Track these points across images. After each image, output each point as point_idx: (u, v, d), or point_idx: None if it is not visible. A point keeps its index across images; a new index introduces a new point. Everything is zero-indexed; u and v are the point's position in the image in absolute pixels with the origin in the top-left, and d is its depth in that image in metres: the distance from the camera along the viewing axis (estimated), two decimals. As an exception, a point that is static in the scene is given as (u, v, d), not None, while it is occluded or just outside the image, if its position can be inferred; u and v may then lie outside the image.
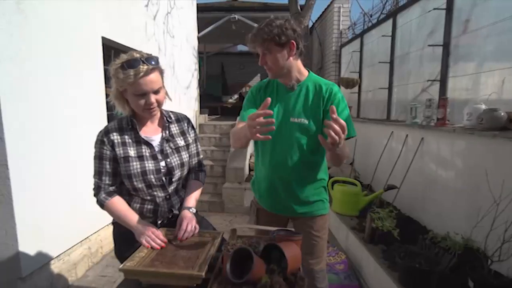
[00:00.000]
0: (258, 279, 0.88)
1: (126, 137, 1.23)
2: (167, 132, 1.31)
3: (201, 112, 6.21)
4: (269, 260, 0.97)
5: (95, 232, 2.65)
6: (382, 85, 3.67)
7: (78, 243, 2.45)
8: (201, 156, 1.46)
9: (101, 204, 1.22)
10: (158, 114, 1.31)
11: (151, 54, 1.19)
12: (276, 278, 0.87)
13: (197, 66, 5.84)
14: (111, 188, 1.24)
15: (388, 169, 2.94)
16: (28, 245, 1.96)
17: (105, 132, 1.23)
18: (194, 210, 1.31)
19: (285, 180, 1.38)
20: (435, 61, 2.61)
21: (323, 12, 6.19)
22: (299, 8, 5.39)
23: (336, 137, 0.97)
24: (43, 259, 2.09)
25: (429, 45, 2.63)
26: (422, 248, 1.95)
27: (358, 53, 4.53)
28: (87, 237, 2.56)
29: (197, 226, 1.24)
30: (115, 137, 1.22)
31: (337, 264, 2.28)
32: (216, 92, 9.69)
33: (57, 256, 2.22)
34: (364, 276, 2.21)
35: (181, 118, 1.39)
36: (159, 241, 1.12)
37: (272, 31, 1.21)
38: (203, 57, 9.12)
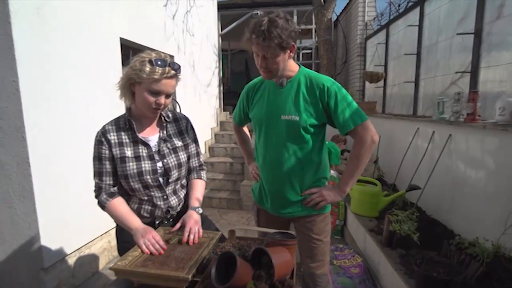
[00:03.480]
0: (243, 285, 0.84)
1: (123, 137, 1.24)
2: (165, 132, 1.30)
3: (224, 110, 6.25)
4: (259, 265, 0.93)
5: (115, 226, 2.74)
6: (408, 78, 3.44)
7: (98, 237, 2.56)
8: (201, 156, 1.44)
9: (102, 205, 1.23)
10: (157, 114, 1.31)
11: (176, 63, 1.19)
12: (261, 285, 0.83)
13: (217, 64, 5.86)
14: (113, 189, 1.24)
15: (413, 168, 2.76)
16: (50, 237, 2.06)
17: (103, 133, 1.24)
18: (200, 211, 1.30)
19: (280, 180, 1.34)
20: (466, 51, 2.38)
21: (347, 4, 5.94)
22: (322, 0, 5.22)
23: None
24: (65, 251, 2.20)
25: (457, 34, 2.41)
26: (446, 254, 1.80)
27: (384, 45, 4.29)
28: (107, 231, 2.66)
29: (201, 230, 1.21)
30: (112, 137, 1.23)
31: (352, 268, 2.18)
32: (240, 89, 9.64)
33: (78, 249, 2.33)
34: (381, 282, 2.09)
35: (179, 118, 1.38)
36: (158, 247, 1.09)
37: (281, 36, 1.14)
38: (227, 54, 9.15)
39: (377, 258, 2.16)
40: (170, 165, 1.27)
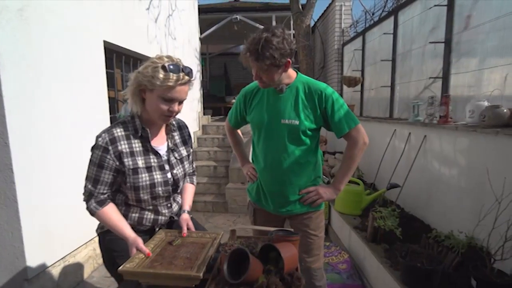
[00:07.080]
0: (255, 279, 0.89)
1: (134, 145, 1.18)
2: (172, 141, 1.30)
3: (204, 113, 6.25)
4: (267, 261, 0.98)
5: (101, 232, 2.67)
6: (384, 83, 3.65)
7: (83, 245, 2.48)
8: (194, 162, 1.48)
9: (92, 212, 1.17)
10: None
11: (187, 66, 1.15)
12: (272, 279, 0.88)
13: (199, 68, 5.87)
14: (102, 197, 1.17)
15: (391, 168, 2.92)
16: (34, 247, 1.99)
17: (111, 140, 1.14)
18: (189, 212, 1.34)
19: (279, 180, 1.41)
20: (437, 58, 2.59)
21: (324, 11, 6.17)
22: (300, 7, 5.37)
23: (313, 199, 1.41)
24: (49, 261, 2.13)
25: (430, 42, 2.61)
26: (425, 247, 1.94)
27: (360, 51, 4.50)
28: (92, 239, 2.58)
29: (191, 224, 1.29)
30: (123, 146, 1.15)
31: (339, 264, 2.28)
32: (219, 92, 9.70)
33: (62, 258, 2.26)
34: (367, 275, 2.21)
35: (182, 126, 1.38)
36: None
37: (274, 56, 1.18)
38: (206, 58, 9.14)
39: (363, 254, 2.27)
40: (179, 175, 1.28)
